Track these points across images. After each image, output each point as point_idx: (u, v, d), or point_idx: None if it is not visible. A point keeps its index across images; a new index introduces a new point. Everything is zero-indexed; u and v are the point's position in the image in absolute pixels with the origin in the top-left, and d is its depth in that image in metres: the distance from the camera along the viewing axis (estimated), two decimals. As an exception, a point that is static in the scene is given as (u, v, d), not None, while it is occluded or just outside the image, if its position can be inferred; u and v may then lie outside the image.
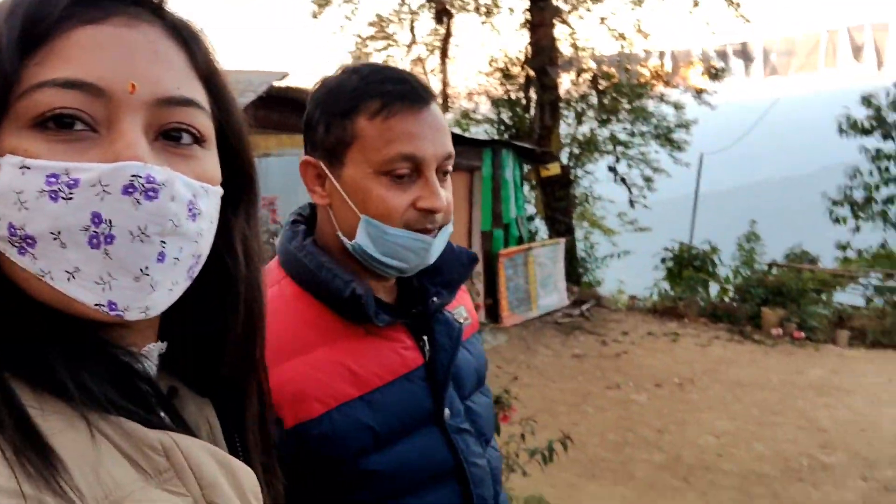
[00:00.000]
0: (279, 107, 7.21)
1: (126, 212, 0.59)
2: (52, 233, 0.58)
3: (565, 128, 15.27)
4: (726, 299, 12.22)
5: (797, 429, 7.10)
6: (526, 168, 13.63)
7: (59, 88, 0.59)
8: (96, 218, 0.58)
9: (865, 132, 19.89)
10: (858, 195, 20.84)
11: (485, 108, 15.43)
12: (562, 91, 14.62)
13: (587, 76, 14.47)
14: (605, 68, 13.14)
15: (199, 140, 0.67)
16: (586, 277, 14.07)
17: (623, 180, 15.72)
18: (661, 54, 11.36)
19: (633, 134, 15.48)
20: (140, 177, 0.60)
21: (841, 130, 20.26)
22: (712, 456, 6.39)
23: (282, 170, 7.57)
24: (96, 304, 0.60)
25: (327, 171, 1.12)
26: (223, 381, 0.77)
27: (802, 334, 10.76)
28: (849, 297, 13.50)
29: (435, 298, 1.20)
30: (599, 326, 11.15)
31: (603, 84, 14.59)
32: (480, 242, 10.66)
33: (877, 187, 20.57)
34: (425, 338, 1.19)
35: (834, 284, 13.09)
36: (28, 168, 0.58)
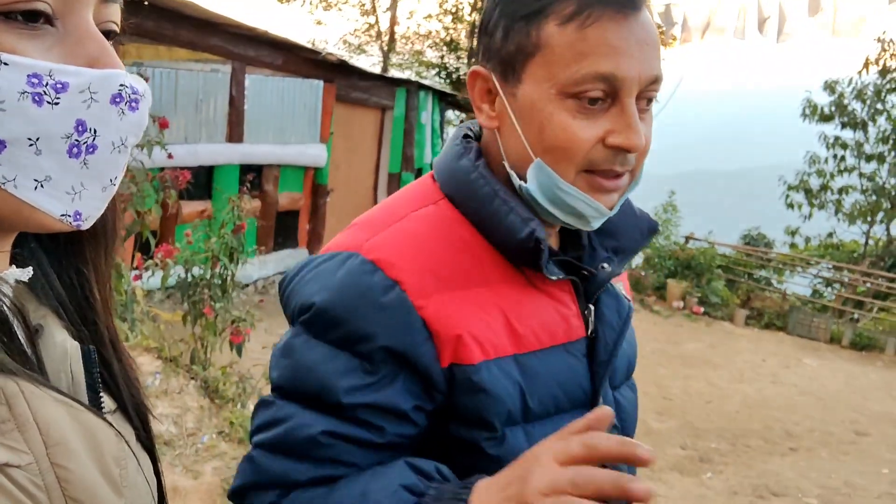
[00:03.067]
0: (153, 14, 6.96)
1: (112, 122, 0.57)
2: (29, 138, 0.54)
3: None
4: (642, 270, 12.22)
5: (643, 394, 6.98)
6: (461, 116, 13.45)
7: None
8: (80, 126, 0.55)
9: (825, 119, 19.77)
10: (815, 182, 20.82)
11: (432, 53, 15.15)
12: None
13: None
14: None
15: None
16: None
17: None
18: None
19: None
20: (126, 86, 0.58)
21: (804, 115, 20.14)
22: (542, 411, 6.41)
23: (158, 84, 7.37)
24: (62, 215, 0.57)
25: (499, 87, 0.92)
26: (90, 323, 0.68)
27: (702, 309, 10.78)
28: (796, 285, 13.47)
29: (605, 265, 0.99)
30: (503, 281, 11.13)
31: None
32: (387, 184, 10.53)
33: (832, 176, 20.54)
34: (591, 307, 0.99)
35: (758, 266, 13.13)
36: (6, 65, 0.52)
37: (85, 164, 0.56)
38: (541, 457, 0.72)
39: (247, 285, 8.22)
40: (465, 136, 1.00)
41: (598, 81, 0.85)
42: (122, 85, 0.57)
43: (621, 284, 1.08)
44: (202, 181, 7.80)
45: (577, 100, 0.86)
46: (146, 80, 3.44)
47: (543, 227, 0.92)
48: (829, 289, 14.94)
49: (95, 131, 0.56)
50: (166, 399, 3.90)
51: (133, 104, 0.59)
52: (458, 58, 14.35)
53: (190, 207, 7.61)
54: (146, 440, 0.71)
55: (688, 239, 12.81)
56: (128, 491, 0.61)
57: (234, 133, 8.11)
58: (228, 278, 4.28)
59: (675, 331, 9.75)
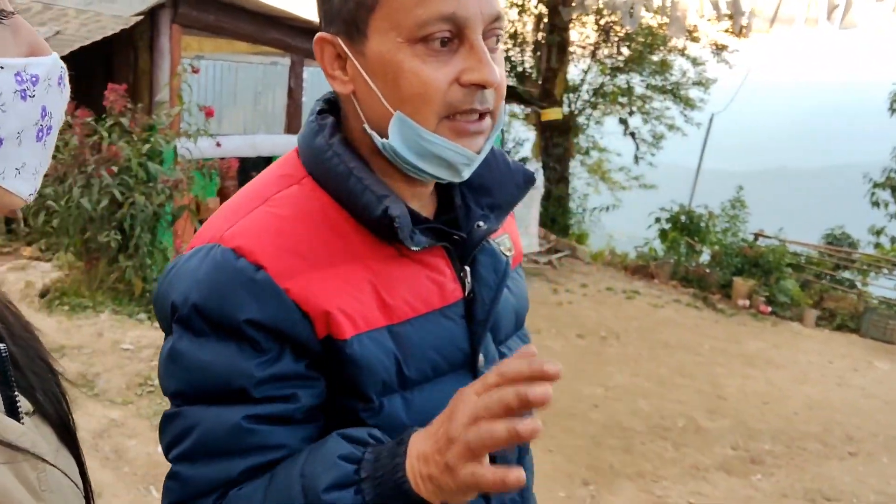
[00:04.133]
0: (214, 9, 7.16)
1: (59, 103, 0.61)
2: (17, 133, 0.57)
3: (578, 74, 14.86)
4: (707, 267, 11.87)
5: (695, 392, 6.93)
6: (525, 110, 13.37)
7: None
8: (43, 111, 0.59)
9: (914, 113, 18.78)
10: (902, 180, 19.82)
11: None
12: (581, 37, 14.23)
13: (592, 19, 13.96)
14: (609, 14, 12.62)
15: None
16: (575, 229, 13.83)
17: (632, 135, 15.25)
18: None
19: (647, 86, 14.95)
20: (63, 67, 0.61)
21: (891, 109, 19.20)
22: (588, 406, 6.30)
23: (218, 76, 7.59)
24: (29, 194, 0.60)
25: (347, 50, 0.91)
26: None
27: (769, 308, 10.41)
28: (881, 288, 12.83)
29: (481, 223, 0.99)
30: (562, 276, 10.99)
31: (618, 32, 14.05)
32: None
33: (922, 173, 19.51)
34: (467, 268, 0.99)
35: (829, 265, 12.59)
36: (2, 67, 0.55)
37: (45, 145, 0.60)
38: (464, 393, 0.76)
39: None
40: (321, 112, 0.99)
41: (442, 22, 0.84)
42: (61, 67, 0.61)
43: (506, 236, 1.07)
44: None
45: (424, 44, 0.86)
46: (197, 71, 3.55)
47: (402, 199, 0.92)
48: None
49: (52, 114, 0.59)
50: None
51: (65, 81, 0.62)
52: (523, 51, 14.27)
53: (248, 197, 7.82)
54: (69, 440, 0.70)
55: (757, 236, 12.37)
56: (49, 495, 0.60)
57: (293, 124, 8.28)
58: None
59: (737, 329, 9.45)
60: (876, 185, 19.96)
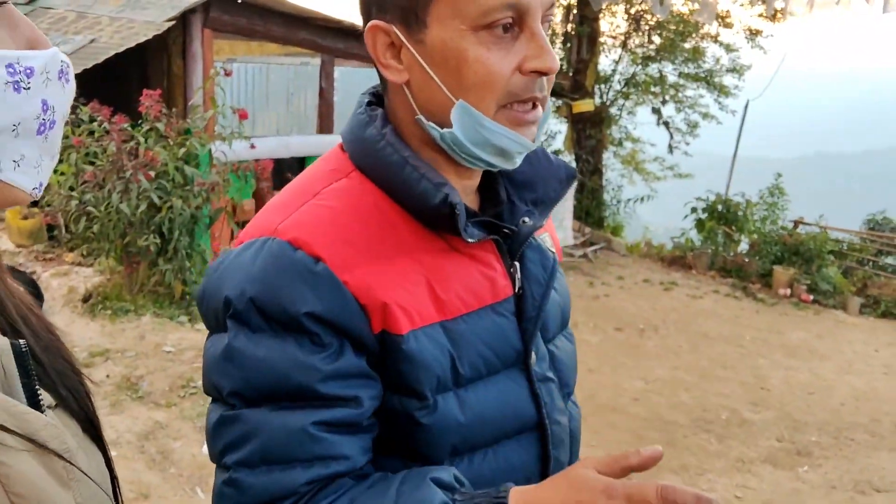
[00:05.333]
0: (245, 11, 7.22)
1: (61, 96, 0.62)
2: (13, 125, 0.57)
3: (610, 64, 14.71)
4: (746, 256, 11.67)
5: (738, 384, 6.82)
6: (556, 102, 13.28)
7: None
8: (44, 105, 0.59)
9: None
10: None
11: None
12: (611, 27, 14.06)
13: (622, 9, 13.78)
14: (639, 3, 12.46)
15: None
16: (610, 220, 13.70)
17: (666, 124, 15.06)
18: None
19: (680, 75, 14.74)
20: (65, 62, 0.62)
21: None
22: (628, 400, 6.23)
23: (250, 79, 7.64)
24: (33, 189, 0.61)
25: (403, 38, 0.89)
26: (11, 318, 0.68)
27: (811, 297, 10.20)
28: None
29: (526, 219, 0.98)
30: (598, 269, 10.89)
31: (648, 21, 13.87)
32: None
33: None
34: (517, 264, 0.98)
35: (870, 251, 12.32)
36: None
37: (46, 139, 0.60)
38: (611, 493, 0.74)
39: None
40: (370, 104, 0.97)
41: (506, 9, 0.84)
42: (62, 61, 0.61)
43: (547, 235, 1.06)
44: (296, 173, 8.06)
45: (488, 31, 0.85)
46: (229, 74, 3.54)
47: (457, 191, 0.90)
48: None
49: (54, 108, 0.60)
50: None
51: (69, 76, 0.62)
52: (553, 43, 14.13)
53: (283, 198, 7.88)
54: (94, 433, 0.71)
55: (797, 223, 12.13)
56: (77, 484, 0.61)
57: (325, 125, 8.32)
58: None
59: (779, 319, 9.28)
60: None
